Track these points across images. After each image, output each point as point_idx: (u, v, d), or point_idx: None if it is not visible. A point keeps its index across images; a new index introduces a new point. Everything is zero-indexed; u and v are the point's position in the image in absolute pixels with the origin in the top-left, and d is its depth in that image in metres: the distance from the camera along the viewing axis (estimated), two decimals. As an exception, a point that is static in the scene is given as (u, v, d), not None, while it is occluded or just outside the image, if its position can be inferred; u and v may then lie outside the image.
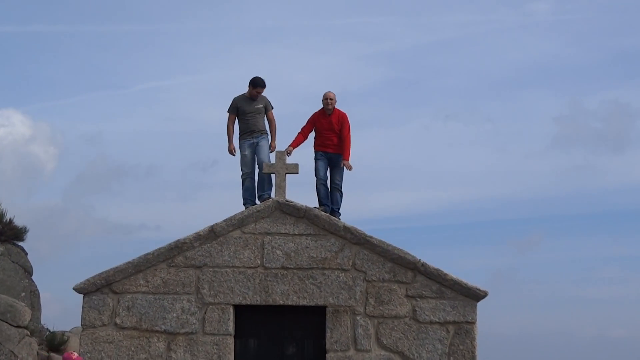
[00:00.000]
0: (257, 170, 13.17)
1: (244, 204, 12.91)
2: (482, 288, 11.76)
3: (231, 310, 11.87)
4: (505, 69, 50.53)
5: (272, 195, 12.54)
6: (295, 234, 12.03)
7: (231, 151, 13.35)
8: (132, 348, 11.80)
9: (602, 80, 49.75)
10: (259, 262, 11.97)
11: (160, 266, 11.99)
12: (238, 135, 13.38)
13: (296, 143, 13.22)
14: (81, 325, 12.05)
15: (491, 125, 47.81)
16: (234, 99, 13.39)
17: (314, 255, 11.94)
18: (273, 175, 12.57)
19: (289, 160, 12.69)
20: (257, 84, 13.25)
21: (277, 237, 12.03)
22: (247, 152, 13.18)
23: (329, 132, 13.20)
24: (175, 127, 47.48)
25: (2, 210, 21.21)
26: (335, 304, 11.80)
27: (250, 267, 11.95)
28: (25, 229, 21.45)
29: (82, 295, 12.00)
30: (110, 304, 11.95)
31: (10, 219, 21.20)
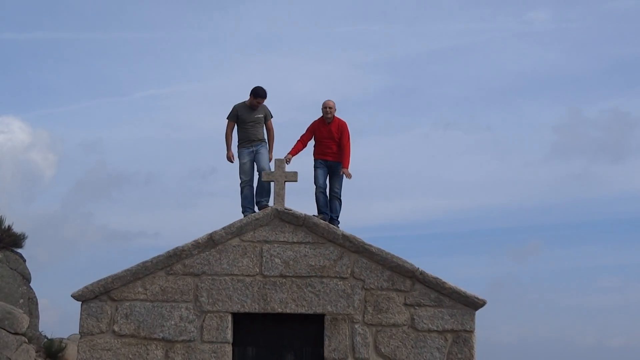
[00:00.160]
0: (255, 178, 13.19)
1: (243, 212, 12.91)
2: (480, 297, 11.75)
3: (229, 318, 11.86)
4: (505, 78, 50.66)
5: (271, 203, 12.54)
6: (294, 242, 12.04)
7: (229, 158, 13.37)
8: (130, 356, 11.79)
9: (601, 89, 49.88)
10: (258, 270, 11.97)
11: (158, 274, 11.99)
12: (237, 143, 13.40)
13: (295, 151, 13.24)
14: (79, 332, 12.04)
15: (490, 134, 47.91)
16: (235, 106, 13.40)
17: (313, 264, 11.94)
18: (272, 183, 12.58)
19: (288, 168, 12.70)
20: (258, 94, 13.27)
21: (275, 245, 12.03)
22: (246, 160, 13.19)
23: (329, 140, 13.22)
24: (175, 134, 47.56)
25: (1, 217, 21.24)
26: (333, 312, 11.80)
27: (248, 275, 11.94)
28: (23, 235, 21.48)
29: (81, 302, 11.99)
30: (109, 312, 11.94)
31: (8, 226, 21.22)
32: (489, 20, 49.48)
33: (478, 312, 11.81)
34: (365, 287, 11.85)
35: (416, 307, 11.77)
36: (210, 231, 12.04)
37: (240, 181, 13.19)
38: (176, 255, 11.96)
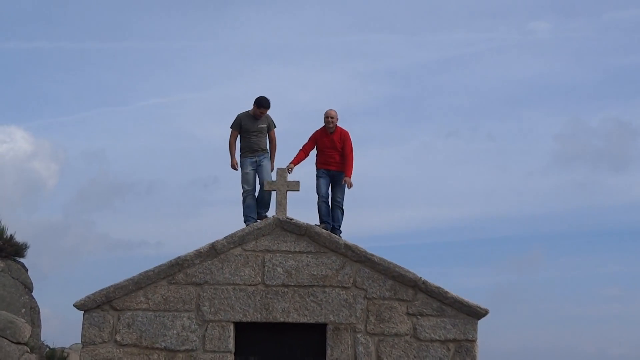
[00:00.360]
0: (257, 189, 13.21)
1: (245, 222, 12.92)
2: (482, 306, 11.74)
3: (231, 327, 11.85)
4: (507, 87, 50.71)
5: (272, 212, 12.52)
6: (296, 252, 12.03)
7: (234, 166, 13.38)
8: (132, 365, 11.79)
9: (602, 99, 49.91)
10: (260, 279, 11.96)
11: (160, 283, 11.99)
12: (239, 152, 13.41)
13: (297, 160, 13.25)
14: (81, 342, 12.03)
15: (492, 143, 47.91)
16: (239, 115, 13.42)
17: (315, 273, 11.94)
18: (273, 195, 12.58)
19: (290, 177, 12.71)
20: (261, 104, 13.29)
21: (278, 254, 12.03)
22: (249, 169, 13.21)
23: (331, 150, 13.22)
24: (177, 144, 47.60)
25: (3, 226, 21.24)
26: (335, 321, 11.79)
27: (250, 285, 11.94)
28: (25, 245, 21.47)
29: (83, 311, 11.99)
30: (111, 321, 11.94)
31: (11, 235, 21.21)
32: (490, 30, 49.61)
33: (480, 322, 11.80)
34: (367, 296, 11.84)
35: (418, 316, 11.76)
36: (212, 240, 12.05)
37: (242, 190, 13.20)
38: (178, 265, 11.96)
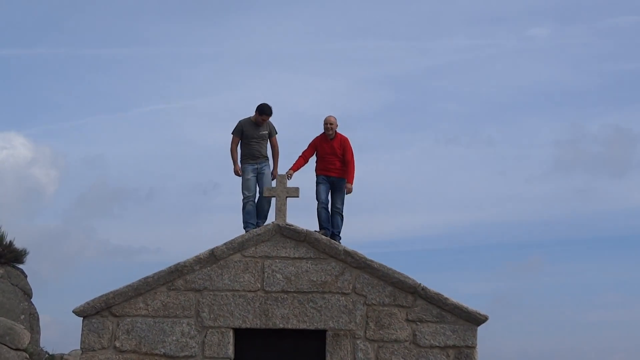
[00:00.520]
0: (257, 196, 13.22)
1: (245, 228, 12.92)
2: (482, 312, 11.73)
3: (231, 333, 11.84)
4: (506, 93, 50.75)
5: (272, 219, 12.51)
6: (295, 258, 12.03)
7: (237, 172, 13.37)
8: (132, 371, 11.78)
9: (603, 105, 49.94)
10: (259, 285, 11.96)
11: (160, 289, 11.98)
12: (240, 158, 13.42)
13: (297, 167, 13.25)
14: (80, 348, 12.02)
15: (492, 149, 47.93)
16: (240, 122, 13.42)
17: (314, 279, 11.93)
18: (273, 203, 12.58)
19: (290, 183, 12.71)
20: (263, 111, 13.30)
21: (277, 260, 12.02)
22: (250, 176, 13.23)
23: (332, 156, 13.23)
24: (176, 150, 47.61)
25: (3, 232, 21.23)
26: (335, 327, 11.78)
27: (250, 291, 11.93)
28: (25, 251, 21.46)
29: (82, 318, 11.98)
30: (110, 327, 11.93)
31: (10, 241, 21.21)
32: (490, 36, 49.67)
33: (480, 328, 11.79)
34: (367, 302, 11.83)
35: (418, 322, 11.75)
36: (211, 247, 12.05)
37: (242, 197, 13.20)
38: (178, 271, 11.95)
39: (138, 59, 50.04)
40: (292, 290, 11.91)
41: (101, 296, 11.93)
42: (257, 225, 12.84)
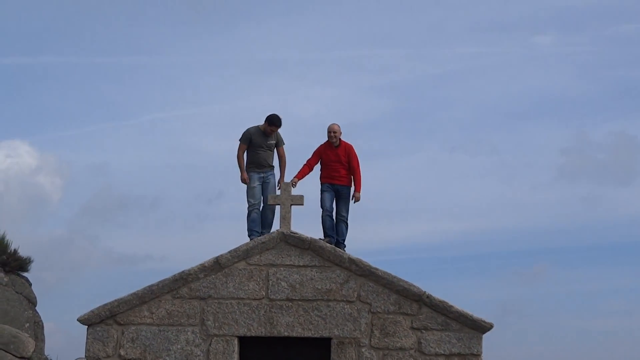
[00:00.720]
0: (262, 205, 13.24)
1: (249, 236, 12.93)
2: (487, 320, 11.72)
3: (236, 342, 11.84)
4: (511, 101, 50.69)
5: (276, 227, 12.52)
6: (300, 266, 12.03)
7: (244, 180, 13.37)
8: (136, 380, 11.78)
9: (608, 112, 49.87)
10: (264, 293, 11.95)
11: (164, 297, 11.98)
12: (245, 166, 13.43)
13: (301, 175, 13.25)
14: (85, 356, 12.02)
15: (497, 157, 47.87)
16: (249, 129, 13.43)
17: (319, 287, 11.92)
18: (277, 213, 12.58)
19: (294, 191, 12.71)
20: (273, 122, 13.32)
21: (282, 268, 12.02)
22: (256, 184, 13.25)
23: (337, 164, 13.23)
24: (181, 158, 47.61)
25: (7, 241, 21.26)
26: (340, 335, 11.77)
27: (255, 299, 11.93)
28: (29, 259, 21.48)
29: (87, 326, 11.98)
30: (115, 336, 11.93)
31: (14, 250, 21.23)
32: (494, 44, 49.63)
33: (485, 336, 11.78)
34: (372, 310, 11.82)
35: (423, 330, 11.74)
36: (216, 255, 12.04)
37: (247, 205, 13.21)
38: (182, 279, 11.95)
39: (143, 67, 50.11)
40: (296, 298, 11.90)
41: (106, 304, 11.93)
42: (262, 235, 12.84)
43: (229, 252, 12.03)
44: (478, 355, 11.66)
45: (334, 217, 13.25)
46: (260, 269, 12.02)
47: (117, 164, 48.45)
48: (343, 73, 49.88)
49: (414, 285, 11.80)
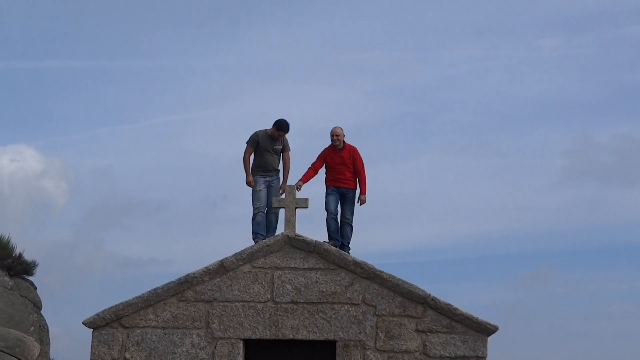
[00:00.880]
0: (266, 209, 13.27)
1: (254, 238, 12.94)
2: (492, 322, 11.73)
3: (241, 344, 11.86)
4: (515, 104, 50.63)
5: (281, 229, 12.53)
6: (305, 269, 12.04)
7: (250, 183, 13.39)
8: (142, 383, 11.79)
9: (612, 115, 49.78)
10: (269, 296, 11.97)
11: (170, 300, 12.00)
12: (251, 169, 13.46)
13: (306, 178, 13.26)
14: (91, 359, 12.04)
15: (501, 160, 47.85)
16: (257, 132, 13.47)
17: (324, 290, 11.94)
18: (281, 217, 12.62)
19: (299, 194, 12.73)
20: (280, 127, 13.37)
21: (286, 271, 12.04)
22: (261, 187, 13.27)
23: (342, 166, 13.24)
24: (186, 162, 47.64)
25: (12, 244, 21.29)
26: (345, 338, 11.78)
27: (260, 302, 11.95)
28: (35, 263, 21.48)
29: (92, 329, 12.02)
30: (120, 339, 11.96)
31: (19, 253, 21.24)
32: (498, 47, 49.61)
33: (490, 338, 11.79)
34: (376, 313, 11.83)
35: (428, 333, 11.75)
36: (221, 258, 12.07)
37: (253, 208, 13.22)
38: (187, 282, 11.98)
39: (147, 71, 50.15)
40: (301, 301, 11.92)
41: (111, 307, 11.96)
42: (266, 238, 12.85)
43: (234, 255, 12.06)
44: (483, 357, 11.66)
45: (339, 220, 13.26)
46: (265, 271, 12.04)
47: (122, 167, 48.52)
48: (347, 76, 49.88)
49: (419, 288, 11.81)
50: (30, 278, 21.35)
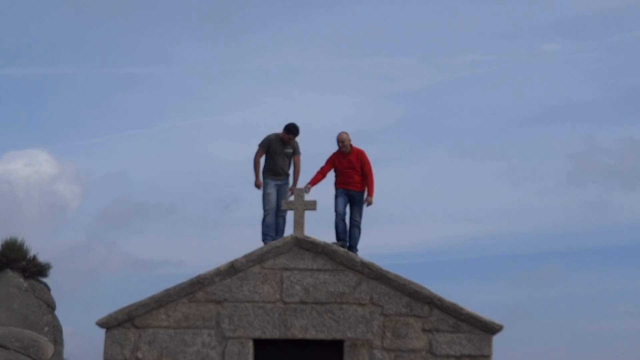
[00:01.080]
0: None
1: (263, 240, 13.09)
2: (497, 322, 11.85)
3: (251, 344, 12.00)
4: (519, 107, 50.65)
5: (290, 231, 12.68)
6: (313, 269, 12.17)
7: (258, 185, 13.58)
8: (154, 381, 11.96)
9: (616, 118, 49.74)
10: (278, 296, 12.12)
11: (181, 301, 12.15)
12: (262, 172, 13.64)
13: (314, 181, 13.38)
14: (103, 359, 12.19)
15: (506, 163, 47.98)
16: (269, 136, 13.64)
17: (332, 290, 12.08)
18: (289, 220, 12.76)
19: (307, 197, 12.88)
20: (290, 131, 13.54)
21: (295, 272, 12.18)
22: (271, 190, 13.42)
23: (350, 170, 13.36)
24: (197, 165, 47.84)
25: (27, 247, 21.53)
26: (353, 337, 11.92)
27: (269, 302, 12.10)
28: (49, 265, 21.72)
29: (105, 329, 12.14)
30: (132, 339, 12.10)
31: (34, 255, 21.48)
32: (501, 52, 49.69)
33: (495, 337, 11.90)
34: (384, 313, 11.97)
35: (434, 332, 11.89)
36: (231, 259, 12.21)
37: (263, 210, 13.38)
38: (198, 283, 12.13)
39: (159, 76, 50.40)
40: (310, 301, 12.07)
41: (123, 308, 12.11)
42: (275, 238, 13.02)
43: (244, 256, 12.19)
44: (488, 356, 11.78)
45: (347, 222, 13.40)
46: (274, 272, 12.19)
47: (134, 171, 48.83)
48: (354, 81, 50.07)
49: (425, 288, 11.95)
50: (44, 280, 21.61)
